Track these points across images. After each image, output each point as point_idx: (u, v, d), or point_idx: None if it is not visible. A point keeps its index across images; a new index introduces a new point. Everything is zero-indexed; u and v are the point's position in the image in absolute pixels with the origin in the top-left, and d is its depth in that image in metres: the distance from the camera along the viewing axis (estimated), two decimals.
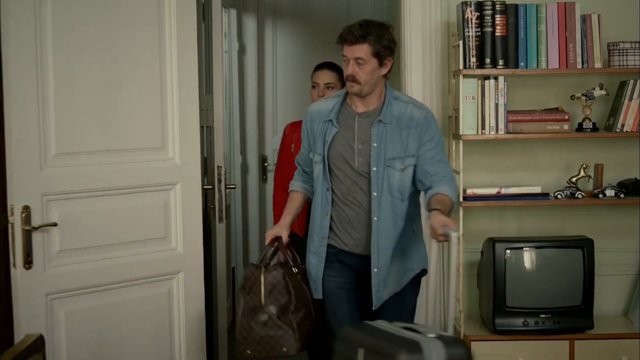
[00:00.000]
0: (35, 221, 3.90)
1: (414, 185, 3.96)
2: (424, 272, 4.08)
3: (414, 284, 4.09)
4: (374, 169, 3.89)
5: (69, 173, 4.10)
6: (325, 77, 5.02)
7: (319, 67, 5.11)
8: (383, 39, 3.89)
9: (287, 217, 4.22)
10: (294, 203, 4.29)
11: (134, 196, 4.29)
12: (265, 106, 7.66)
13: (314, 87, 5.07)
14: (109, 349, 4.29)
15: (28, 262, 3.90)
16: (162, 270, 4.39)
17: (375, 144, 3.90)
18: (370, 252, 3.94)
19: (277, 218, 4.92)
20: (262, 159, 7.62)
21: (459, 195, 4.61)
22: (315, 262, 4.09)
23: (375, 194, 3.90)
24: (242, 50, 7.52)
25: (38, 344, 3.02)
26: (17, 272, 3.89)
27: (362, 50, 3.88)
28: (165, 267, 4.40)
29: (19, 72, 3.84)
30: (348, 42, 3.93)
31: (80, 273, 4.17)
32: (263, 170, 7.62)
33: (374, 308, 3.95)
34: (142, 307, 4.38)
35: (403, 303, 4.05)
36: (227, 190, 5.02)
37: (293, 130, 5.18)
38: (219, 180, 4.89)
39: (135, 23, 4.28)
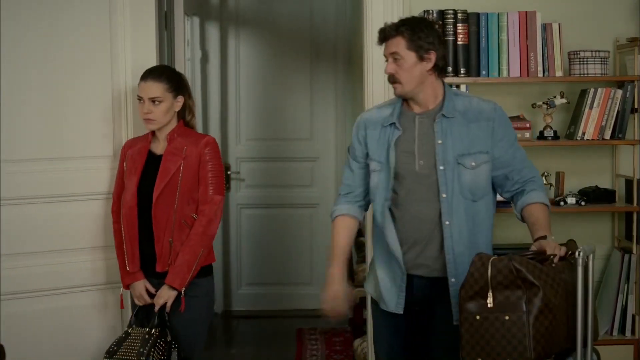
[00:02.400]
0: None
1: (490, 186, 3.64)
2: None
3: None
4: (441, 167, 3.54)
5: (8, 180, 4.18)
6: (150, 89, 4.04)
7: (144, 75, 4.10)
8: (419, 30, 3.56)
9: (336, 267, 3.71)
10: (339, 236, 3.78)
11: (80, 204, 4.35)
12: (228, 114, 7.64)
13: (141, 101, 4.06)
14: (46, 355, 4.31)
15: None
16: (110, 278, 4.36)
17: (439, 141, 3.56)
18: (439, 274, 3.59)
19: (118, 250, 4.14)
20: (226, 168, 7.59)
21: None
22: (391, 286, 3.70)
23: (444, 195, 3.54)
24: (204, 58, 7.50)
25: None
26: None
27: (397, 44, 3.55)
28: (114, 275, 4.36)
29: None
30: (382, 38, 3.61)
31: (18, 278, 4.22)
32: (226, 179, 7.59)
33: (454, 323, 3.49)
34: (87, 315, 4.41)
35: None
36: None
37: (127, 147, 4.22)
38: None
39: (86, 32, 4.32)
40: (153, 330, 3.99)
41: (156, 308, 4.01)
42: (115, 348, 3.97)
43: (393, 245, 3.64)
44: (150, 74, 4.06)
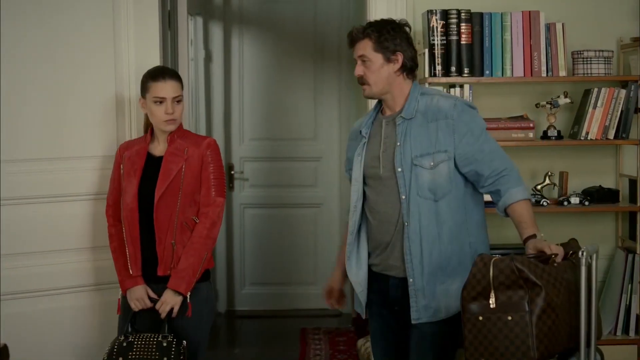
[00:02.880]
0: None
1: (452, 185, 3.58)
2: None
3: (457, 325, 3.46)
4: (399, 169, 3.56)
5: (10, 180, 4.18)
6: (173, 88, 3.99)
7: (160, 75, 4.02)
8: (385, 32, 3.58)
9: (336, 268, 3.97)
10: (343, 242, 3.94)
11: (82, 203, 4.35)
12: (232, 114, 7.65)
13: (159, 102, 3.97)
14: (48, 355, 4.32)
15: None
16: (111, 278, 4.33)
17: (398, 143, 3.58)
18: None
19: (116, 254, 4.06)
20: (229, 167, 7.60)
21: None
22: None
23: (403, 197, 3.56)
24: (208, 58, 7.51)
25: (2, 354, 2.99)
26: None
27: (364, 46, 3.60)
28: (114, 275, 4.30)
29: None
30: (350, 41, 3.66)
31: (21, 278, 4.23)
32: (230, 179, 7.61)
33: (412, 322, 3.59)
34: (89, 315, 4.39)
35: (435, 341, 3.61)
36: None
37: (123, 149, 4.14)
38: None
39: (89, 32, 4.32)
40: (169, 337, 3.90)
41: (163, 315, 3.93)
42: (120, 359, 3.88)
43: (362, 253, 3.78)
44: (166, 73, 4.01)
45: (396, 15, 4.78)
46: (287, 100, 7.68)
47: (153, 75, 4.00)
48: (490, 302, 3.16)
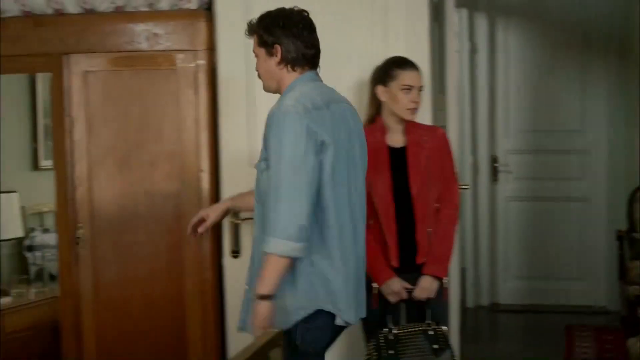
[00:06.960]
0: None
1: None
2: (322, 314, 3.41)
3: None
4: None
5: None
6: (420, 78, 4.09)
7: (409, 64, 4.09)
8: (263, 25, 3.51)
9: None
10: None
11: None
12: (496, 106, 7.59)
13: (406, 90, 4.03)
14: None
15: (235, 252, 4.36)
16: None
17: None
18: None
19: (368, 247, 3.84)
20: (493, 159, 7.57)
21: None
22: None
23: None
24: (473, 50, 7.50)
25: (277, 339, 3.09)
26: (226, 261, 4.40)
27: (254, 41, 3.56)
28: None
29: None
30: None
31: None
32: (494, 171, 7.57)
33: (237, 330, 3.59)
34: None
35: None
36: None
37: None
38: None
39: (358, 26, 4.43)
40: (433, 324, 3.99)
41: (423, 298, 4.02)
42: (391, 352, 3.90)
43: None
44: (413, 63, 4.08)
45: None
46: (553, 92, 7.53)
47: (400, 64, 4.07)
48: None
